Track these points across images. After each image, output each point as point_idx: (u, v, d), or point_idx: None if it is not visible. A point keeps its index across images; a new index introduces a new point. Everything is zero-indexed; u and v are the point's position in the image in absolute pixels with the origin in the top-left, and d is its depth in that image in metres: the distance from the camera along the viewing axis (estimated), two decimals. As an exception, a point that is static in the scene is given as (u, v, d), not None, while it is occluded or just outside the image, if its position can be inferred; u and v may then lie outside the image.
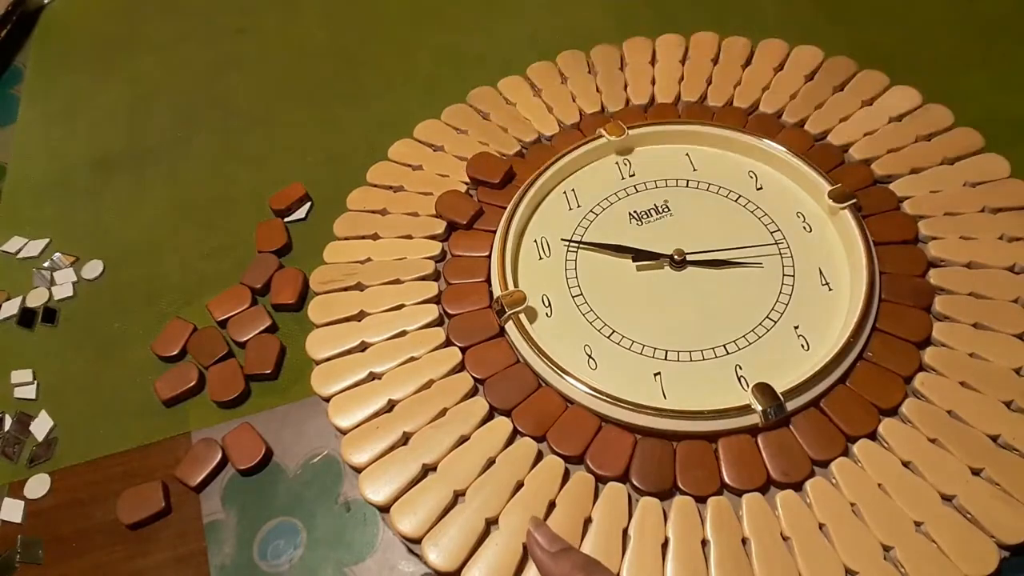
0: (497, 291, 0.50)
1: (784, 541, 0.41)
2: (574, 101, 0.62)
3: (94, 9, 0.84)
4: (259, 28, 0.78)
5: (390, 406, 0.47)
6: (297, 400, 0.51)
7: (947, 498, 0.41)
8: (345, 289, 0.53)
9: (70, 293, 0.59)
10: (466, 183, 0.58)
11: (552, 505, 0.43)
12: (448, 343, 0.49)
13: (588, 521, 0.42)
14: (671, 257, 0.51)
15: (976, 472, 0.42)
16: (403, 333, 0.50)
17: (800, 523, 0.41)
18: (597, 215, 0.55)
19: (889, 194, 0.54)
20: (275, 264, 0.57)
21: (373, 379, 0.49)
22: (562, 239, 0.54)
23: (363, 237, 0.56)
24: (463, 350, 0.49)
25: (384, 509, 0.44)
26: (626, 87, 0.62)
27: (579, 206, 0.56)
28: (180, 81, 0.74)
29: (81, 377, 0.54)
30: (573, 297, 0.51)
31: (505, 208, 0.54)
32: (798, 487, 0.42)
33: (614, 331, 0.49)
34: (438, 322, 0.51)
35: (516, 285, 0.51)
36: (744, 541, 0.41)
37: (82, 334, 0.57)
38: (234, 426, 0.50)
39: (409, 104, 0.67)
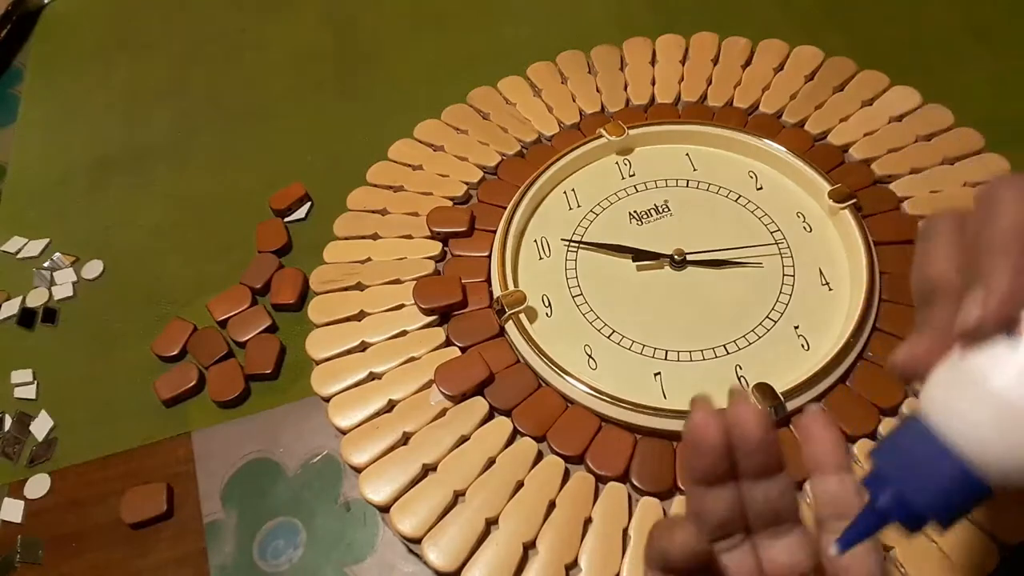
0: (497, 291, 0.50)
1: (784, 541, 0.40)
2: (574, 101, 0.62)
3: (94, 9, 0.84)
4: (259, 28, 0.78)
5: (390, 406, 0.47)
6: (297, 400, 0.51)
7: (947, 498, 0.41)
8: (345, 289, 0.53)
9: (70, 293, 0.59)
10: (465, 183, 0.58)
11: (552, 505, 0.43)
12: (448, 343, 0.49)
13: (588, 521, 0.42)
14: (671, 257, 0.51)
15: (976, 472, 0.42)
16: (403, 333, 0.50)
17: (800, 523, 0.41)
18: (597, 215, 0.55)
19: (889, 194, 0.54)
20: (275, 264, 0.57)
21: (373, 379, 0.49)
22: (562, 239, 0.54)
23: (363, 237, 0.56)
24: (463, 350, 0.49)
25: (384, 509, 0.44)
26: (626, 87, 0.62)
27: (579, 206, 0.56)
28: (180, 81, 0.74)
29: (81, 377, 0.54)
30: (573, 297, 0.51)
31: (505, 208, 0.54)
32: (798, 487, 0.42)
33: (614, 331, 0.49)
34: (438, 322, 0.51)
35: (516, 285, 0.51)
36: (744, 541, 0.41)
37: (82, 334, 0.57)
38: (231, 428, 0.50)
39: (409, 104, 0.67)
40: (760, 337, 0.48)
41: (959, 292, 0.24)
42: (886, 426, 0.43)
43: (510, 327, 0.49)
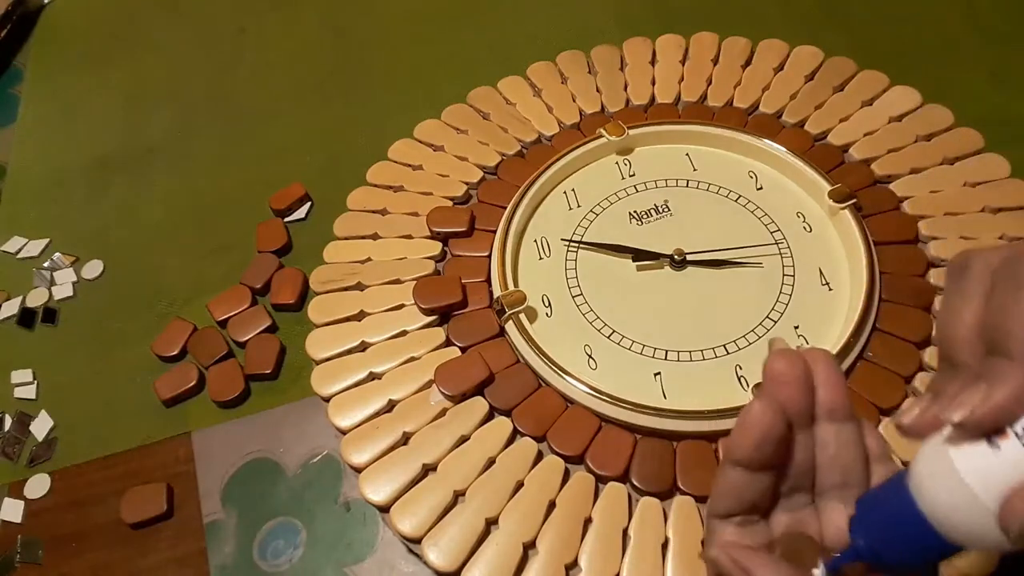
0: (497, 291, 0.50)
1: (784, 541, 0.40)
2: (574, 101, 0.62)
3: (94, 9, 0.84)
4: (259, 28, 0.78)
5: (390, 406, 0.47)
6: (297, 400, 0.51)
7: (947, 498, 0.41)
8: (345, 289, 0.53)
9: (70, 293, 0.59)
10: (465, 183, 0.58)
11: (552, 505, 0.43)
12: (448, 343, 0.49)
13: (588, 521, 0.42)
14: (671, 257, 0.51)
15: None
16: (403, 333, 0.50)
17: (800, 523, 0.41)
18: (597, 215, 0.55)
19: (889, 194, 0.54)
20: (275, 264, 0.57)
21: (373, 379, 0.49)
22: (562, 239, 0.54)
23: (363, 237, 0.56)
24: (463, 350, 0.49)
25: (384, 509, 0.44)
26: (626, 87, 0.62)
27: (579, 206, 0.56)
28: (180, 81, 0.74)
29: (81, 377, 0.54)
30: (573, 297, 0.51)
31: (505, 208, 0.54)
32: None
33: (614, 331, 0.49)
34: (438, 322, 0.51)
35: (516, 285, 0.51)
36: (744, 541, 0.41)
37: (82, 334, 0.57)
38: (231, 428, 0.50)
39: (409, 104, 0.67)
40: (760, 337, 0.48)
41: (977, 369, 0.24)
42: (886, 427, 0.43)
43: (510, 327, 0.49)
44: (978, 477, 0.22)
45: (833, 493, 0.27)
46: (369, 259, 0.54)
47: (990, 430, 0.22)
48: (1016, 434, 0.22)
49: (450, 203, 0.57)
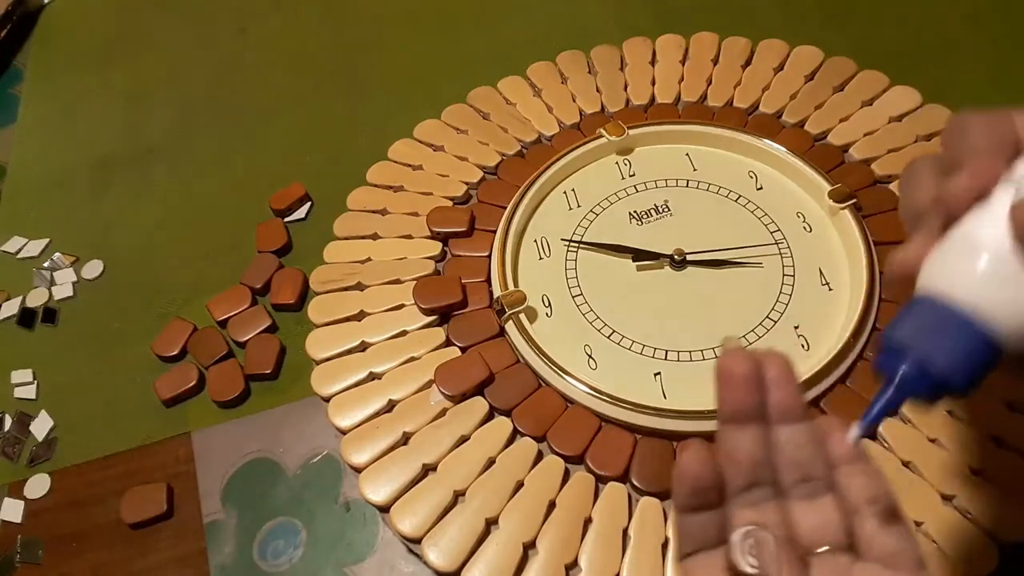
0: (497, 291, 0.50)
1: (784, 541, 0.40)
2: (574, 101, 0.62)
3: (94, 9, 0.84)
4: (259, 28, 0.78)
5: (390, 406, 0.47)
6: (297, 400, 0.51)
7: (947, 498, 0.41)
8: (345, 289, 0.53)
9: (70, 293, 0.59)
10: (465, 183, 0.58)
11: (552, 505, 0.43)
12: (448, 343, 0.49)
13: (588, 521, 0.42)
14: (671, 257, 0.51)
15: (976, 472, 0.42)
16: (403, 333, 0.50)
17: (800, 523, 0.41)
18: (597, 215, 0.55)
19: (889, 194, 0.54)
20: (275, 264, 0.57)
21: (373, 379, 0.49)
22: (562, 239, 0.54)
23: (363, 237, 0.56)
24: (463, 350, 0.49)
25: (384, 509, 0.44)
26: (626, 87, 0.62)
27: (579, 206, 0.56)
28: (180, 81, 0.74)
29: (81, 377, 0.54)
30: (573, 297, 0.51)
31: (505, 208, 0.54)
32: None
33: (614, 331, 0.49)
34: (438, 322, 0.51)
35: (516, 285, 0.51)
36: (744, 541, 0.41)
37: (82, 334, 0.57)
38: (231, 428, 0.50)
39: (409, 104, 0.67)
40: (760, 337, 0.48)
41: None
42: (886, 426, 0.43)
43: (510, 327, 0.49)
44: (989, 230, 0.22)
45: (796, 491, 0.27)
46: (369, 259, 0.54)
47: (984, 192, 0.23)
48: (1011, 182, 0.22)
49: (450, 203, 0.57)
